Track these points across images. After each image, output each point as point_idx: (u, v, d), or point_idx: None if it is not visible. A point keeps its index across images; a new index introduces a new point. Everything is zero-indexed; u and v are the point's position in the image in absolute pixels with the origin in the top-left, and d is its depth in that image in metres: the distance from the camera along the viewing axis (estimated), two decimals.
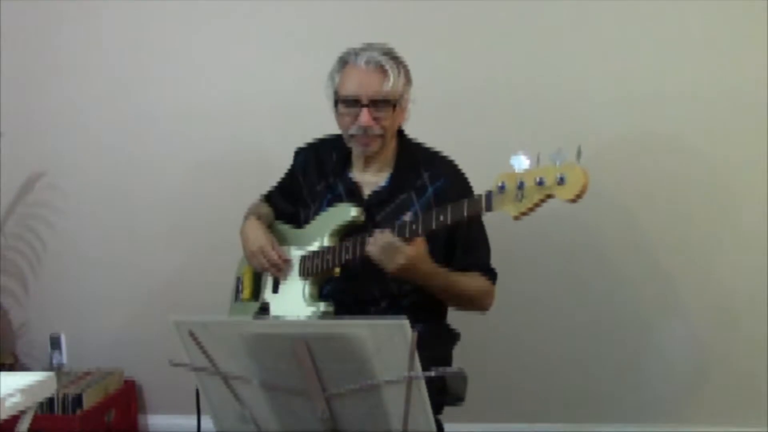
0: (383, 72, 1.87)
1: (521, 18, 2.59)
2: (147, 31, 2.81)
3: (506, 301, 2.68)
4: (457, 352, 2.05)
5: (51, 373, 1.88)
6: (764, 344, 2.56)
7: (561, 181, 1.52)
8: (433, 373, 1.36)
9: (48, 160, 2.92)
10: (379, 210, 1.95)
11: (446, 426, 1.90)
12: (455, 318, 2.10)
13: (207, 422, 1.67)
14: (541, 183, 1.55)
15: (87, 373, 2.82)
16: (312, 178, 2.08)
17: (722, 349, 2.62)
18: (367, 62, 1.87)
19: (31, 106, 2.91)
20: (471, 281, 1.92)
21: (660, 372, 2.66)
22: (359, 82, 1.87)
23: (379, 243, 1.75)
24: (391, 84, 1.86)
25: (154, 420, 2.97)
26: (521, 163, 1.59)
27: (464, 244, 1.92)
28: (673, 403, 2.67)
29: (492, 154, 2.63)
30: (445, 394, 1.91)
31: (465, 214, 1.69)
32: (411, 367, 1.34)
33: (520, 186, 1.58)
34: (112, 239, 2.92)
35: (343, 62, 1.92)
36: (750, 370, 2.60)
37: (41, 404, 2.26)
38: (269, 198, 2.23)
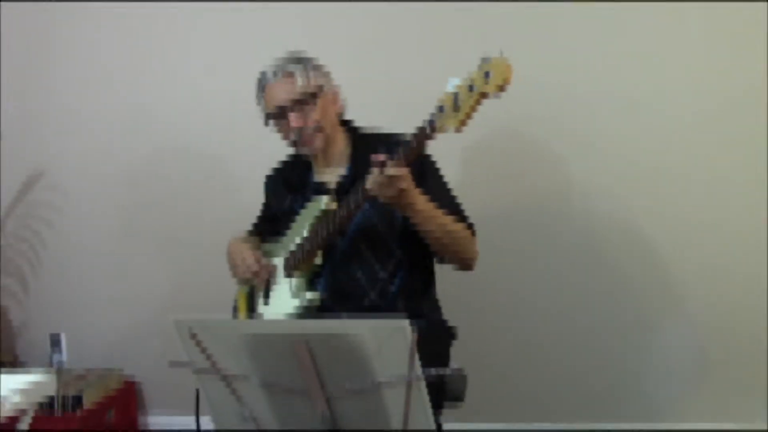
0: (290, 75, 1.97)
1: (521, 20, 2.59)
2: (147, 32, 2.81)
3: (506, 300, 2.70)
4: (457, 351, 2.05)
5: (51, 373, 1.87)
6: (764, 344, 2.57)
7: (487, 77, 1.56)
8: (433, 374, 1.36)
9: (48, 160, 2.92)
10: (347, 196, 1.98)
11: (446, 426, 1.90)
12: (454, 317, 2.10)
13: (206, 422, 1.68)
14: (471, 88, 1.59)
15: (87, 373, 2.82)
16: (283, 197, 2.15)
17: (722, 348, 2.62)
18: (275, 74, 1.98)
19: (31, 106, 2.91)
20: (455, 223, 1.93)
21: (660, 371, 2.66)
22: (276, 94, 1.98)
23: (376, 174, 1.75)
24: (300, 82, 1.96)
25: (154, 419, 2.97)
26: (454, 82, 1.63)
27: (433, 198, 1.90)
28: (673, 401, 2.67)
29: (492, 154, 2.67)
30: (444, 393, 1.93)
31: (414, 145, 1.72)
32: (411, 368, 1.35)
33: (455, 99, 1.62)
34: (112, 239, 2.92)
35: (261, 85, 2.03)
36: (750, 369, 2.60)
37: (41, 404, 2.26)
38: (255, 228, 2.28)
